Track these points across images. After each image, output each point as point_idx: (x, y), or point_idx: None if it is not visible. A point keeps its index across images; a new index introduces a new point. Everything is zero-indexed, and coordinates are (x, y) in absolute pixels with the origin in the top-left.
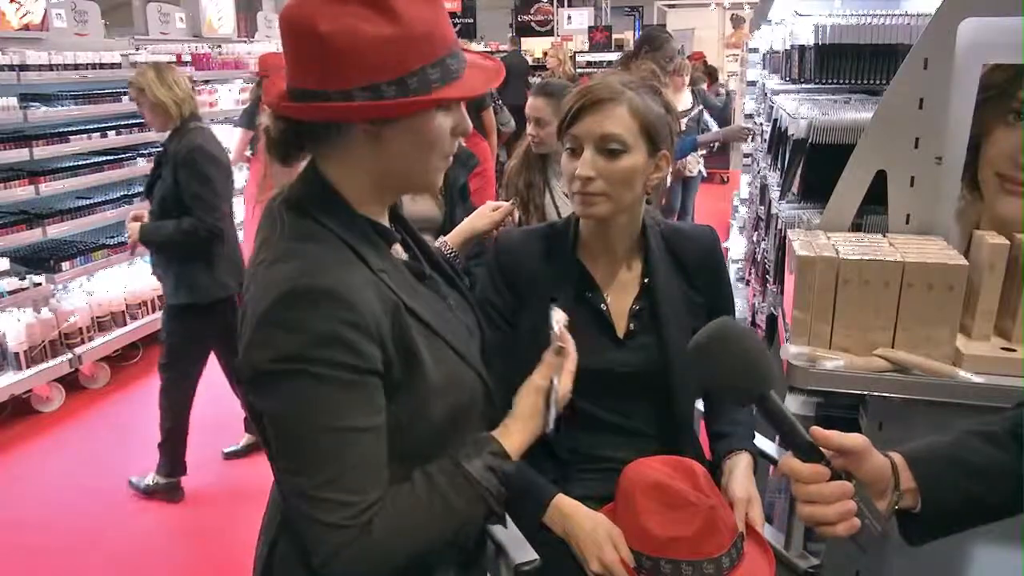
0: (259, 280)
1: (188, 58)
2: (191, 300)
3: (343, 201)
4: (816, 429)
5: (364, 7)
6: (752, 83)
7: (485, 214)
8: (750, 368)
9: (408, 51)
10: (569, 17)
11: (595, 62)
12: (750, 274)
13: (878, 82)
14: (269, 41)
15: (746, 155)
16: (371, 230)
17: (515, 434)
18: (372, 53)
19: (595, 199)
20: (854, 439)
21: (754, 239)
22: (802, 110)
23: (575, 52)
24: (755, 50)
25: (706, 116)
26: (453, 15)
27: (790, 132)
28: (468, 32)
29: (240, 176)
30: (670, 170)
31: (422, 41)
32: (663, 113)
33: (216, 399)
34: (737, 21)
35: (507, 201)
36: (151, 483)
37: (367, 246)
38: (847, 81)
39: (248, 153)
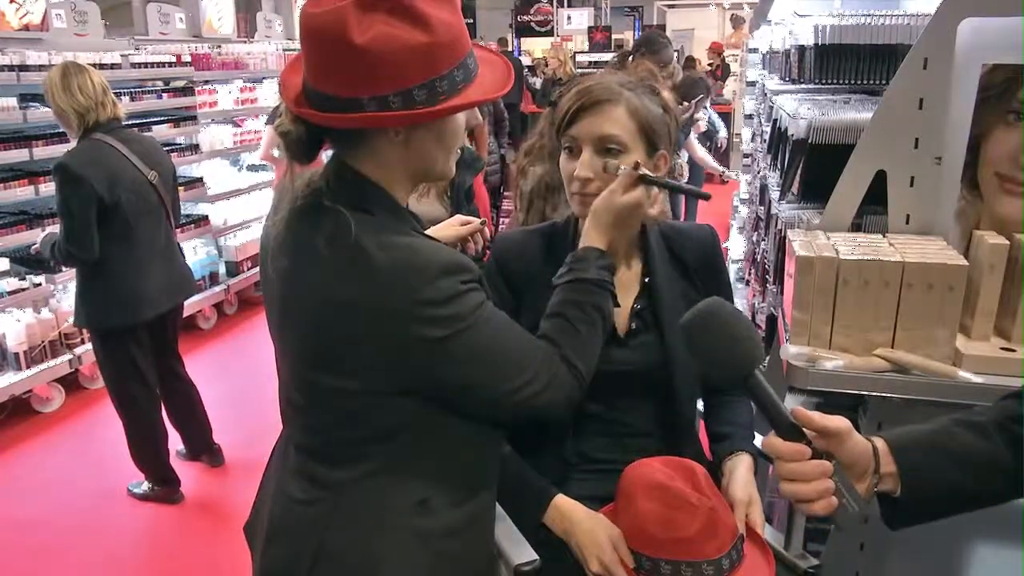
0: (354, 271)
1: (188, 58)
2: (83, 323)
3: (387, 193)
4: (798, 409)
5: (396, 17)
6: (752, 83)
7: (452, 225)
8: (736, 345)
9: (437, 57)
10: (569, 17)
11: (595, 62)
12: (750, 274)
13: (878, 82)
14: (268, 41)
15: (746, 155)
16: (412, 218)
17: (596, 237)
18: (407, 61)
19: (593, 199)
20: (835, 421)
21: (754, 239)
22: (802, 110)
23: (575, 52)
24: (755, 50)
25: (712, 114)
26: None
27: (790, 132)
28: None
29: (241, 177)
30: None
31: (449, 47)
32: (661, 113)
33: (216, 400)
34: (737, 21)
35: (515, 202)
36: (147, 489)
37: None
38: (847, 81)
39: (275, 153)
